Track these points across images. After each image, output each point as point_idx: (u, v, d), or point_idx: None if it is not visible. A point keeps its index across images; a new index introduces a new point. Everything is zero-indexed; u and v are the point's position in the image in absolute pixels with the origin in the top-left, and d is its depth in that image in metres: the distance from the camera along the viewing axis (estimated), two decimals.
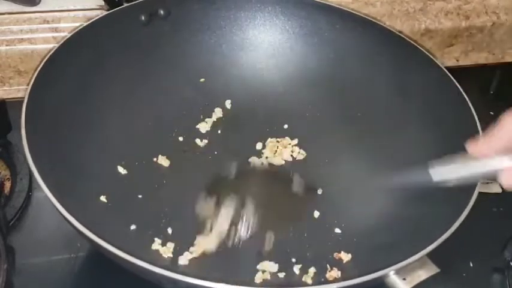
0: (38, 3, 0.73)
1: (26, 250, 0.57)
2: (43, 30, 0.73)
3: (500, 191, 0.68)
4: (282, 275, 0.53)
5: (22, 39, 0.73)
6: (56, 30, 0.74)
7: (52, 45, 0.61)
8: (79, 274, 0.57)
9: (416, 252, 0.46)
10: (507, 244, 0.61)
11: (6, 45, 0.72)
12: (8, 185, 0.63)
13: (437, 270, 0.47)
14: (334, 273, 0.53)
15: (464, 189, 0.52)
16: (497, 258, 0.61)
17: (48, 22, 0.74)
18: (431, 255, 0.48)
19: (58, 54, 0.59)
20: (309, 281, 0.53)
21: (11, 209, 0.61)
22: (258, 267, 0.53)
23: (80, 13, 0.74)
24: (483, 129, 0.56)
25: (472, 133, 0.57)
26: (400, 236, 0.53)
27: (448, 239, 0.47)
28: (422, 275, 0.47)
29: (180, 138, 0.65)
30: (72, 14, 0.74)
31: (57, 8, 0.74)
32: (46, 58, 0.58)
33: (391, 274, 0.46)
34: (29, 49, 0.73)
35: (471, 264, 0.61)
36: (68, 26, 0.73)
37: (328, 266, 0.54)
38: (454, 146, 0.58)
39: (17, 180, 0.64)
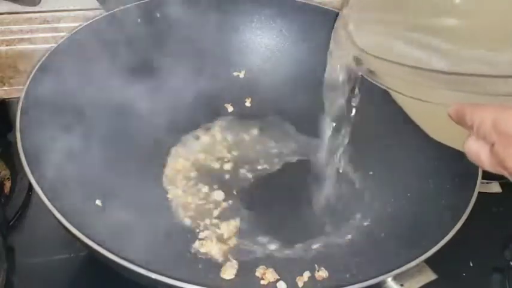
0: (38, 3, 0.73)
1: (26, 250, 0.57)
2: (43, 30, 0.73)
3: (500, 190, 0.69)
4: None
5: (22, 39, 0.73)
6: (56, 30, 0.74)
7: (52, 45, 0.61)
8: (79, 274, 0.57)
9: (415, 258, 0.46)
10: (507, 244, 0.61)
11: (6, 45, 0.73)
12: (8, 185, 0.63)
13: (435, 277, 0.47)
14: (323, 273, 0.53)
15: (463, 190, 0.52)
16: (497, 258, 0.61)
17: (48, 22, 0.74)
18: (431, 256, 0.48)
19: (54, 55, 0.59)
20: (301, 285, 0.52)
21: (11, 209, 0.61)
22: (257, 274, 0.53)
23: (80, 13, 0.74)
24: None
25: None
26: (397, 241, 0.53)
27: (447, 241, 0.47)
28: (420, 281, 0.47)
29: (177, 142, 0.65)
30: (72, 14, 0.74)
31: (57, 8, 0.74)
32: (42, 59, 0.58)
33: (388, 280, 0.46)
34: (29, 49, 0.73)
35: (471, 264, 0.61)
36: (67, 26, 0.73)
37: (316, 266, 0.54)
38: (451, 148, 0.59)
39: (17, 180, 0.64)
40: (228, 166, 0.64)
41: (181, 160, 0.63)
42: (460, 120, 0.37)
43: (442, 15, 0.42)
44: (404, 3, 0.45)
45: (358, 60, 0.43)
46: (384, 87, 0.42)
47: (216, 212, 0.59)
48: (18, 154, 0.49)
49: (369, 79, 0.43)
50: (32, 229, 0.60)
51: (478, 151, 0.36)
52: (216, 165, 0.64)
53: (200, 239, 0.55)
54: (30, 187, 0.63)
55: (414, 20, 0.43)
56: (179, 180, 0.62)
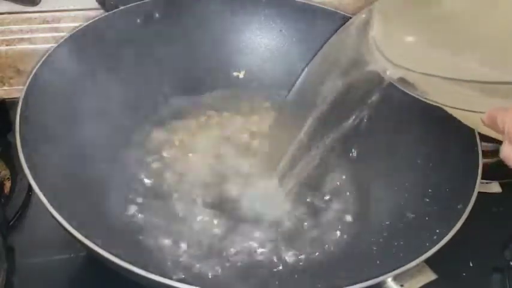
0: (38, 3, 0.73)
1: (26, 250, 0.57)
2: (43, 30, 0.73)
3: (500, 190, 0.68)
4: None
5: (22, 39, 0.73)
6: (55, 30, 0.74)
7: (52, 45, 0.61)
8: (79, 274, 0.57)
9: (415, 258, 0.46)
10: (507, 244, 0.61)
11: (6, 45, 0.73)
12: (8, 185, 0.63)
13: (435, 277, 0.47)
14: None
15: (463, 190, 0.52)
16: (497, 258, 0.61)
17: (48, 22, 0.74)
18: (431, 256, 0.48)
19: (54, 55, 0.59)
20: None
21: (11, 209, 0.61)
22: None
23: (80, 13, 0.74)
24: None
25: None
26: (397, 242, 0.53)
27: (447, 241, 0.47)
28: (420, 281, 0.47)
29: (177, 142, 0.66)
30: (72, 14, 0.74)
31: (57, 8, 0.74)
32: (42, 59, 0.58)
33: (388, 280, 0.46)
34: (29, 49, 0.73)
35: (471, 264, 0.61)
36: (67, 26, 0.73)
37: None
38: (449, 145, 0.59)
39: (17, 180, 0.64)
40: None
41: None
42: (492, 125, 0.37)
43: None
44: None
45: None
46: (415, 95, 0.42)
47: None
48: (18, 154, 0.49)
49: (400, 87, 0.42)
50: (32, 229, 0.60)
51: (510, 154, 0.37)
52: None
53: None
54: (30, 187, 0.62)
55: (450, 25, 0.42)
56: None
